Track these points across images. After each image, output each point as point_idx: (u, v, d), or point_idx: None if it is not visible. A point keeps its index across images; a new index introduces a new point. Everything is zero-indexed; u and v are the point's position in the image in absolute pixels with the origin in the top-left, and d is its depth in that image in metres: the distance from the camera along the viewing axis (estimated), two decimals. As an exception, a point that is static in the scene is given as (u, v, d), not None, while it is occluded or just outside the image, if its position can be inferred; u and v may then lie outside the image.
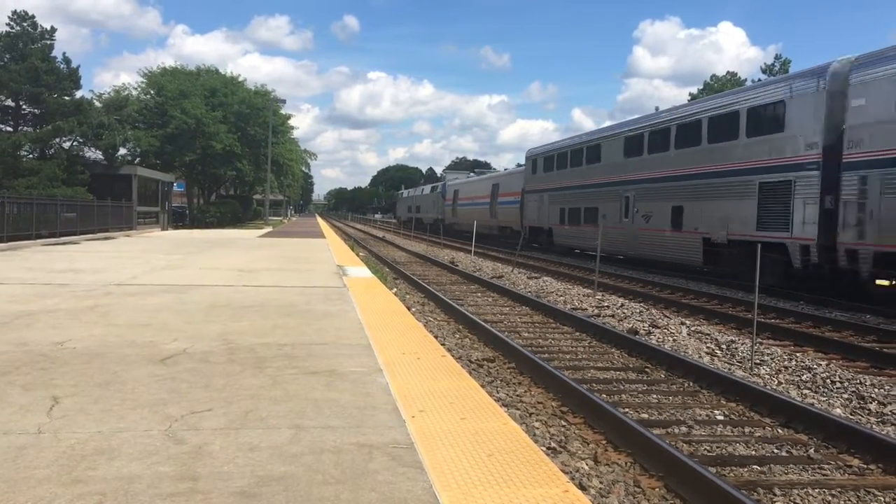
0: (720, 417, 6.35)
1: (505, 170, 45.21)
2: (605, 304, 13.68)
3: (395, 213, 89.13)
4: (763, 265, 15.97)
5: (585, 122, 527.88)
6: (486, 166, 76.30)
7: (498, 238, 39.31)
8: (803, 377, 7.96)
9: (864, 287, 14.12)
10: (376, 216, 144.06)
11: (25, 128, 32.18)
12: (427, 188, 67.44)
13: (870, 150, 13.80)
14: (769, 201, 16.51)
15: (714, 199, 18.58)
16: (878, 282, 13.69)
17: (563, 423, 6.02)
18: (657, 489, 4.61)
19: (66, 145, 31.66)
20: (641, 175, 22.63)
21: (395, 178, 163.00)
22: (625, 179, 23.71)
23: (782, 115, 16.29)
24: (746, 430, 5.98)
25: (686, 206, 19.88)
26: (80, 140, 31.85)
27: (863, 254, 13.84)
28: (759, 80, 46.39)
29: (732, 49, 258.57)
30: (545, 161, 31.77)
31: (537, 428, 5.79)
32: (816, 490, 4.67)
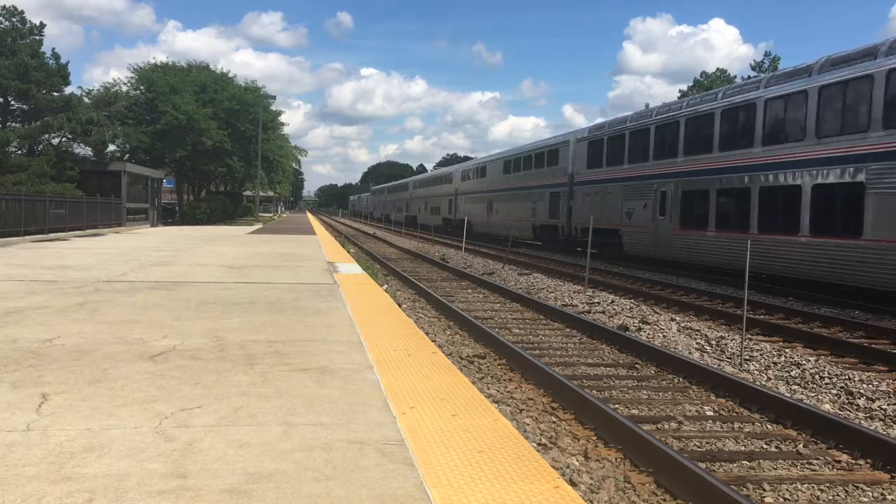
0: (710, 413, 6.39)
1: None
2: (596, 300, 13.73)
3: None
4: (550, 237, 31.05)
5: (577, 118, 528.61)
6: (464, 159, 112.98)
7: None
8: (792, 373, 8.01)
9: (579, 244, 26.82)
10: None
11: (14, 124, 31.96)
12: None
13: (580, 176, 27.15)
14: (552, 202, 29.69)
15: (537, 202, 31.70)
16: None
17: (554, 419, 6.03)
18: (647, 485, 4.64)
19: (55, 141, 31.47)
20: (505, 186, 36.93)
21: (385, 175, 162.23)
22: (500, 188, 37.91)
23: (558, 156, 29.64)
24: (736, 425, 6.02)
25: (526, 205, 33.35)
26: (69, 136, 31.63)
27: (578, 228, 26.77)
28: (749, 77, 46.97)
29: (724, 46, 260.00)
30: (466, 173, 46.62)
31: (528, 424, 5.80)
32: (805, 485, 4.71)
